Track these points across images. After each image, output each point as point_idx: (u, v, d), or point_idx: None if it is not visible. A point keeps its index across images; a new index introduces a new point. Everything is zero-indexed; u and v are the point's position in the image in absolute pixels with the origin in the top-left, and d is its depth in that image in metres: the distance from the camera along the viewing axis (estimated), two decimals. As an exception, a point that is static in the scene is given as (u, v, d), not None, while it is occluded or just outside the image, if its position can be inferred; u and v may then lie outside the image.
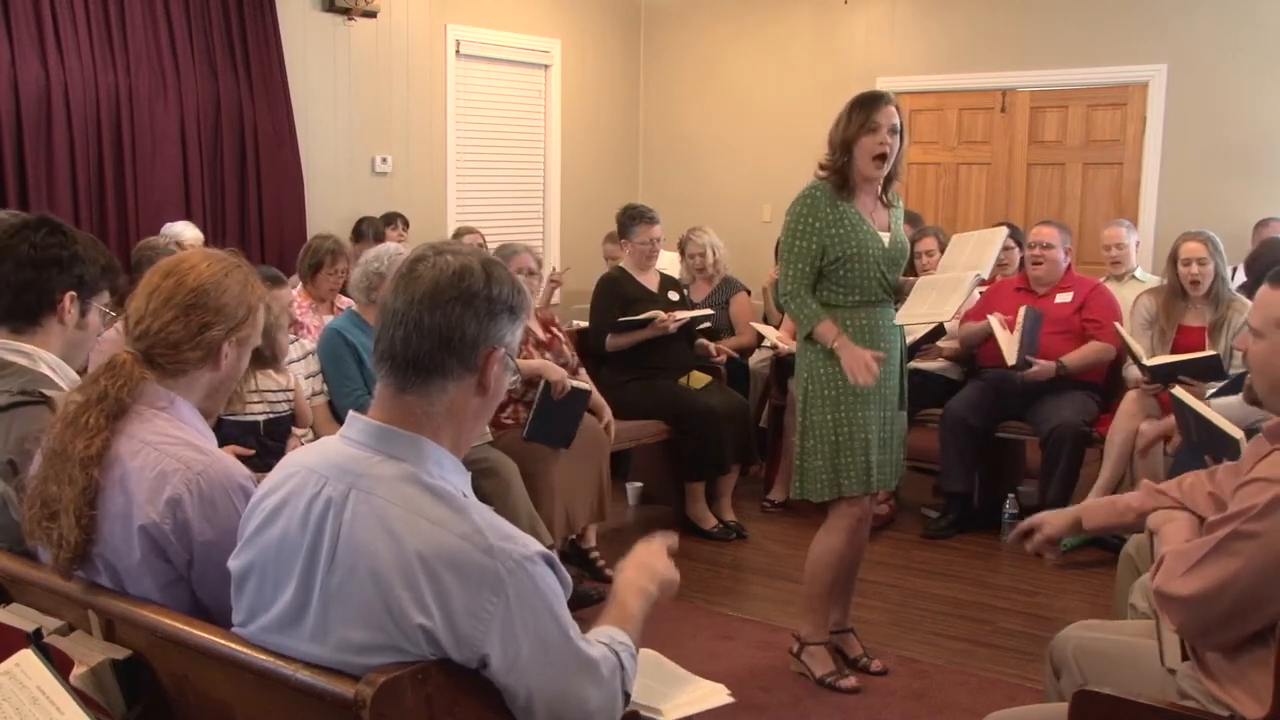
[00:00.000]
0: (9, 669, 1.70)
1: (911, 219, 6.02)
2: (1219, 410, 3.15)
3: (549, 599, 1.51)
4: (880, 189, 3.47)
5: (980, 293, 5.38)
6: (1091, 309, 5.02)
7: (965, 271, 3.46)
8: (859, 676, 3.61)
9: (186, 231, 4.99)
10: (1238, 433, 2.76)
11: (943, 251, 5.48)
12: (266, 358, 3.66)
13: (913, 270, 5.03)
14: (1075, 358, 4.90)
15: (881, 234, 3.44)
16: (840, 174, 3.38)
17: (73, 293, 2.25)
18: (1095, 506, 2.53)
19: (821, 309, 3.39)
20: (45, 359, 2.23)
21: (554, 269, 7.11)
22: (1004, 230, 3.72)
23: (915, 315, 3.53)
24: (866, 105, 3.35)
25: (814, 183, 3.43)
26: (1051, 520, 2.49)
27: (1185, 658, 2.02)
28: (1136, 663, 2.24)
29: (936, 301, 3.43)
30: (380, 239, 6.28)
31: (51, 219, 2.29)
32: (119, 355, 1.85)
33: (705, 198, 8.20)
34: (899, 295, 3.57)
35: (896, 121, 3.35)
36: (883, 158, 3.35)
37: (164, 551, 1.75)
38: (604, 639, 1.66)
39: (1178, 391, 3.19)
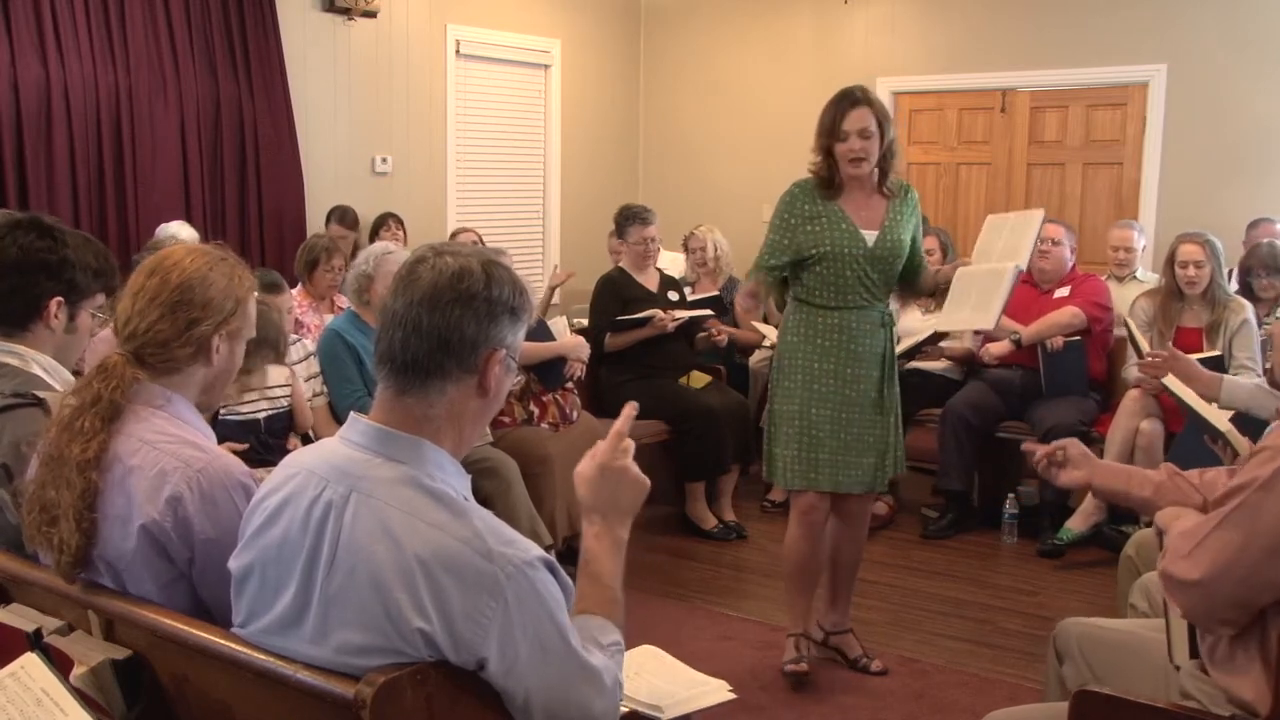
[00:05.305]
0: (13, 671, 1.69)
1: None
2: (1233, 389, 3.17)
3: (549, 604, 1.50)
4: (876, 182, 3.43)
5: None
6: (1074, 296, 5.09)
7: (1003, 262, 3.41)
8: (858, 676, 3.61)
9: (182, 231, 4.96)
10: (1223, 425, 2.80)
11: (943, 251, 5.53)
12: (270, 352, 3.65)
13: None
14: (1032, 329, 4.99)
15: (866, 232, 3.38)
16: (827, 172, 3.40)
17: (59, 299, 2.21)
18: (1108, 468, 2.49)
19: (765, 275, 3.49)
20: (38, 360, 2.20)
21: (555, 267, 7.10)
22: (1041, 212, 3.64)
23: (957, 321, 3.52)
24: (834, 109, 3.34)
25: (798, 180, 3.46)
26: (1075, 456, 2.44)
27: (1193, 655, 2.00)
28: (1140, 653, 2.23)
29: (978, 304, 3.40)
30: (350, 221, 6.30)
31: (42, 220, 2.24)
32: (110, 357, 1.83)
33: (705, 198, 8.19)
34: (925, 291, 3.67)
35: (869, 124, 3.30)
36: (856, 161, 3.33)
37: (165, 550, 1.75)
38: (594, 643, 1.62)
39: (1168, 380, 3.25)
